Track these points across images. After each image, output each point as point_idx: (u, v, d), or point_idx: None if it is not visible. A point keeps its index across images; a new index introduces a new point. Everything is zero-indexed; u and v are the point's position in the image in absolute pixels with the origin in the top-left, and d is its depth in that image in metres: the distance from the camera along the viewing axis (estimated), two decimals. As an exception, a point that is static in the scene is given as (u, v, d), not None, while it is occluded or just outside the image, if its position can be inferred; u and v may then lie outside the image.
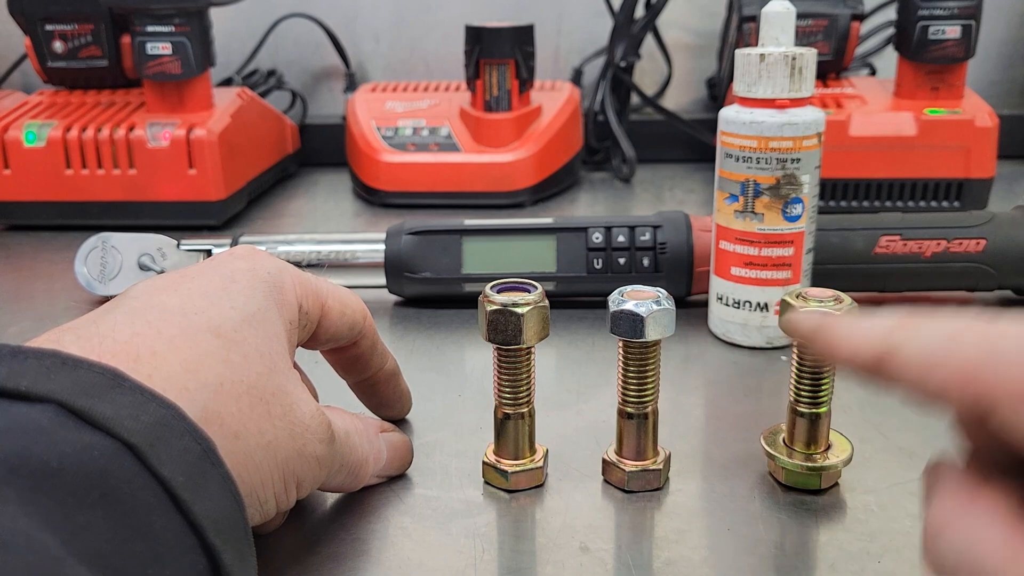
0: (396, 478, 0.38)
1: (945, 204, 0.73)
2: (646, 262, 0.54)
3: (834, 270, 0.53)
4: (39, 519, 0.19)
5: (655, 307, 0.34)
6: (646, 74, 1.01)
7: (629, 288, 0.35)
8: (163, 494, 0.22)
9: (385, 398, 0.40)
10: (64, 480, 0.20)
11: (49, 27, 0.78)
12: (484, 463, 0.37)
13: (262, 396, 0.28)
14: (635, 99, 0.94)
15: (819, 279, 0.52)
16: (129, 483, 0.21)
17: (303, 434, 0.29)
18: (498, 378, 0.36)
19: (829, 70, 0.82)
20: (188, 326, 0.27)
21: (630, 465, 0.36)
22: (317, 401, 0.32)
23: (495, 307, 0.34)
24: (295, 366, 0.32)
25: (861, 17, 0.79)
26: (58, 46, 0.79)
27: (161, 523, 0.22)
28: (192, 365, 0.26)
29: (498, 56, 0.80)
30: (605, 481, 0.37)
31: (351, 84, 1.00)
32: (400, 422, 0.42)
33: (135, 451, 0.22)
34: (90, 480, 0.21)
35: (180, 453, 0.23)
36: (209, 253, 0.57)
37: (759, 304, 0.49)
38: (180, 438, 0.23)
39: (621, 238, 0.55)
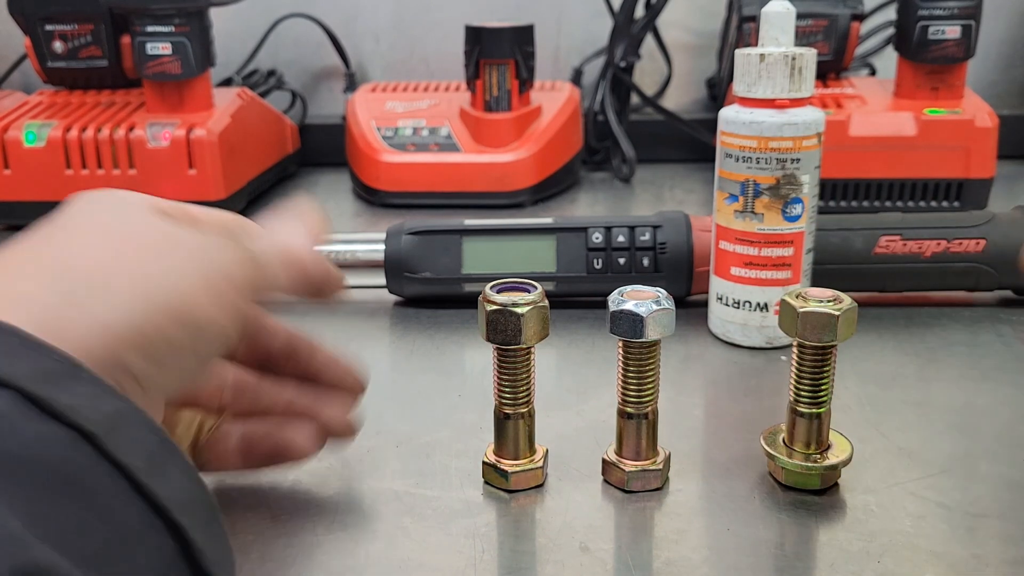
0: (396, 479, 0.37)
1: (945, 204, 0.73)
2: (646, 262, 0.54)
3: (834, 270, 0.53)
4: (3, 504, 0.19)
5: (655, 307, 0.34)
6: (646, 74, 1.01)
7: (629, 288, 0.35)
8: (123, 480, 0.22)
9: (340, 379, 0.38)
10: (26, 467, 0.20)
11: (49, 27, 0.78)
12: (484, 463, 0.37)
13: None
14: (635, 99, 0.94)
15: (819, 279, 0.52)
16: (90, 470, 0.22)
17: (204, 243, 0.28)
18: (498, 378, 0.36)
19: (829, 70, 0.82)
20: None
21: (630, 465, 0.36)
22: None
23: (495, 307, 0.34)
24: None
25: (861, 17, 0.79)
26: (58, 46, 0.79)
27: (123, 508, 0.22)
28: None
29: (498, 56, 0.80)
30: (605, 481, 0.37)
31: (351, 84, 1.00)
32: (401, 422, 0.42)
33: (94, 439, 0.22)
34: (52, 468, 0.21)
35: (139, 442, 0.23)
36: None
37: (759, 304, 0.49)
38: (138, 428, 0.23)
39: (621, 238, 0.55)
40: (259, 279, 0.30)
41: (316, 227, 0.34)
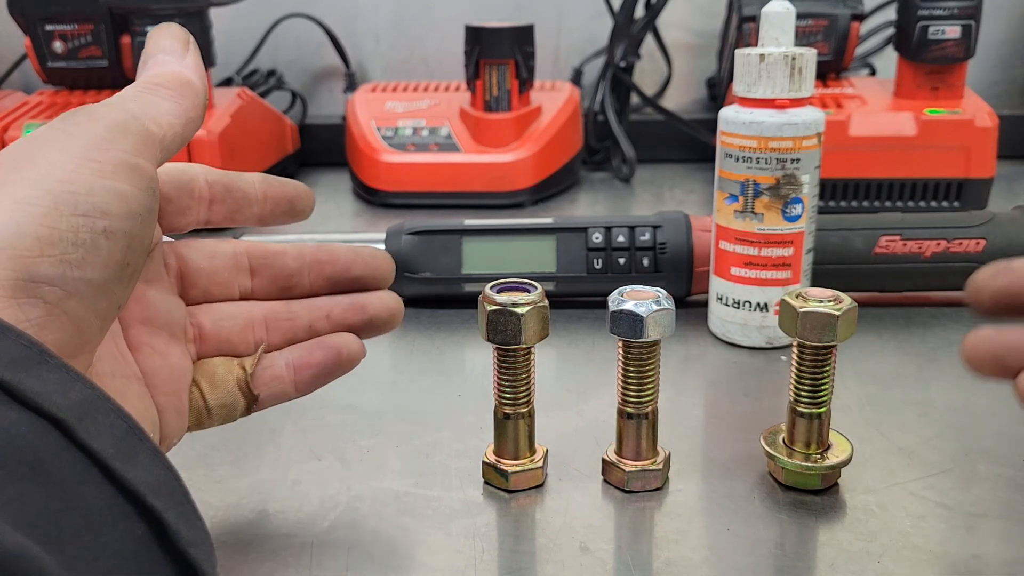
0: (396, 479, 0.38)
1: (945, 204, 0.73)
2: (646, 262, 0.54)
3: (834, 270, 0.53)
4: None
5: (655, 307, 0.34)
6: (646, 74, 1.01)
7: (629, 288, 0.35)
8: (92, 466, 0.22)
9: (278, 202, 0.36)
10: None
11: (49, 27, 0.78)
12: (484, 463, 0.37)
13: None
14: (635, 99, 0.94)
15: (819, 279, 0.52)
16: (57, 457, 0.21)
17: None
18: (498, 378, 0.36)
19: (829, 70, 0.82)
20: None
21: (630, 465, 0.36)
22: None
23: (495, 307, 0.34)
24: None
25: (861, 17, 0.79)
26: (58, 46, 0.79)
27: (92, 494, 0.22)
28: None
29: (498, 56, 0.80)
30: (605, 481, 0.37)
31: (351, 84, 1.00)
32: (401, 422, 0.42)
33: (63, 426, 0.22)
34: (19, 455, 0.21)
35: (108, 428, 0.23)
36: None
37: (759, 304, 0.49)
38: (107, 415, 0.23)
39: (621, 238, 0.55)
40: (137, 123, 0.27)
41: (177, 41, 0.31)
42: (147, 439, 0.24)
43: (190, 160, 0.73)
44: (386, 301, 0.36)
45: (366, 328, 0.35)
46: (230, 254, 0.35)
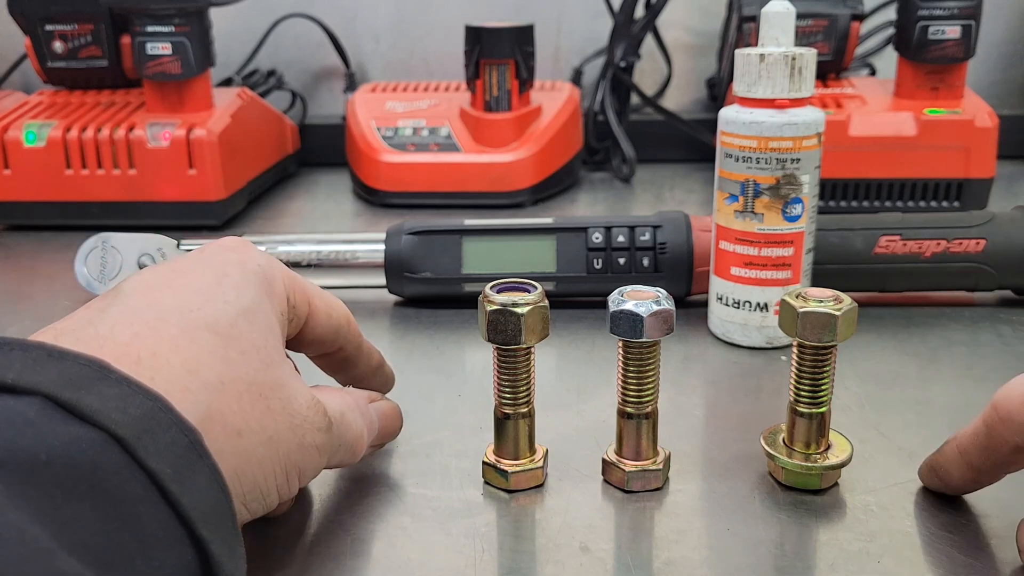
0: (396, 479, 0.38)
1: (945, 204, 0.73)
2: (646, 262, 0.54)
3: (834, 270, 0.53)
4: (29, 511, 0.19)
5: (655, 307, 0.34)
6: (646, 74, 1.01)
7: (629, 288, 0.35)
8: (151, 486, 0.22)
9: (371, 386, 0.40)
10: (52, 473, 0.20)
11: (49, 27, 0.78)
12: (484, 463, 0.37)
13: (261, 391, 0.28)
14: (635, 99, 0.94)
15: (819, 279, 0.52)
16: (117, 475, 0.22)
17: (302, 425, 0.29)
18: (498, 378, 0.36)
19: (829, 70, 0.82)
20: (186, 325, 0.27)
21: (630, 465, 0.36)
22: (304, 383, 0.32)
23: (495, 307, 0.34)
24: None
25: (861, 17, 0.79)
26: (58, 46, 0.79)
27: (149, 515, 0.22)
28: (193, 365, 0.26)
29: (498, 56, 0.80)
30: (605, 481, 0.37)
31: (351, 84, 1.00)
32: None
33: (122, 443, 0.22)
34: (78, 473, 0.21)
35: (167, 445, 0.23)
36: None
37: (759, 304, 0.49)
38: (167, 430, 0.23)
39: (621, 238, 0.55)
40: (322, 464, 0.32)
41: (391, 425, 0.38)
42: (206, 455, 0.24)
43: (190, 159, 0.73)
44: None
45: None
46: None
